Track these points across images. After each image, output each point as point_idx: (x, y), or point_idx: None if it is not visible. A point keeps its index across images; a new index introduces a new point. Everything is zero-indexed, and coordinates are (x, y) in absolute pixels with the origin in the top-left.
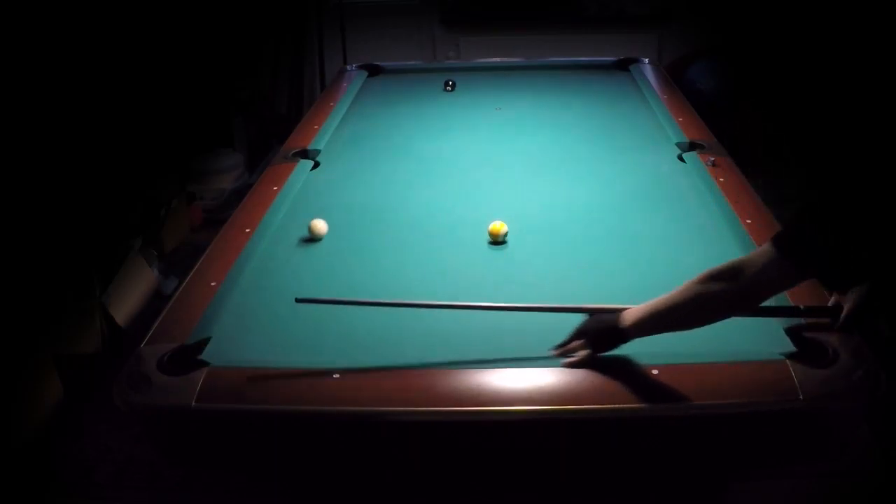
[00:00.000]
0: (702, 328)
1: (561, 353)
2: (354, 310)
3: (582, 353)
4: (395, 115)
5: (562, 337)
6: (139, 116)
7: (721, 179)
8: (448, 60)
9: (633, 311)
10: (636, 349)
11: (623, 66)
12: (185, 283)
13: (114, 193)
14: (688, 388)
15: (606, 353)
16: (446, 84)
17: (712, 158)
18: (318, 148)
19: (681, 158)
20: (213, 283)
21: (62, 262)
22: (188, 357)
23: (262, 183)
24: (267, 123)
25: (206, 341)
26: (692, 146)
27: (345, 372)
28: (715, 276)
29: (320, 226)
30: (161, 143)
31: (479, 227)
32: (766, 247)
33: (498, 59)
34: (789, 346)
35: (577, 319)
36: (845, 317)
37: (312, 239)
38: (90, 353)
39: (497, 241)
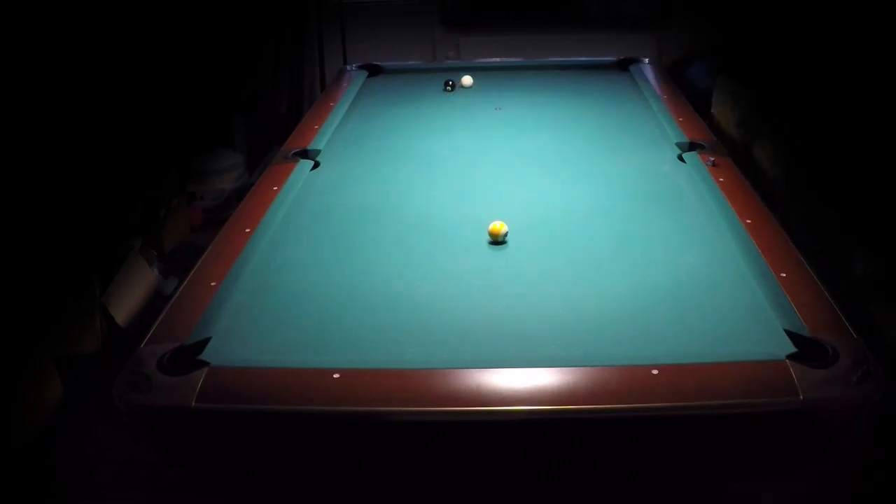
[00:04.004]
0: (702, 328)
1: None
2: (354, 310)
3: None
4: (395, 115)
5: (564, 337)
6: (140, 116)
7: (721, 179)
8: (448, 60)
9: None
10: (636, 349)
11: (623, 66)
12: (185, 283)
13: (114, 193)
14: (688, 388)
15: (606, 350)
16: (446, 84)
17: (712, 158)
18: (318, 148)
19: (681, 158)
20: (213, 283)
21: (62, 262)
22: (188, 357)
23: (262, 183)
24: (267, 123)
25: (206, 341)
26: (692, 146)
27: (345, 372)
28: None
29: (467, 80)
30: (161, 143)
31: (479, 227)
32: None
33: (498, 59)
34: (789, 347)
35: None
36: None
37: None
38: (90, 353)
39: (497, 241)
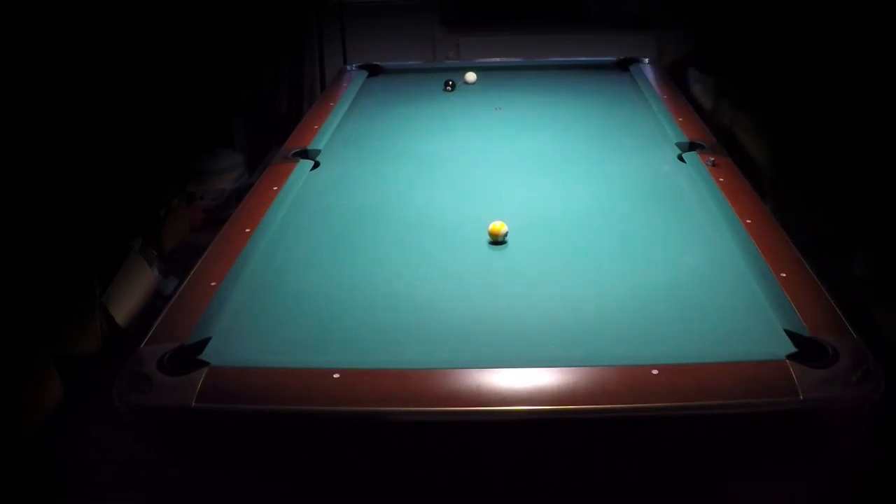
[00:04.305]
0: (702, 328)
1: None
2: (354, 310)
3: None
4: (395, 115)
5: (563, 337)
6: (140, 116)
7: (721, 179)
8: (448, 60)
9: None
10: (636, 349)
11: (623, 66)
12: (185, 283)
13: (114, 193)
14: (688, 388)
15: (606, 350)
16: (446, 84)
17: (712, 158)
18: (318, 148)
19: (681, 158)
20: (213, 283)
21: (62, 262)
22: (188, 357)
23: (262, 183)
24: (267, 123)
25: (206, 341)
26: (692, 146)
27: (345, 372)
28: None
29: (471, 76)
30: (161, 143)
31: (478, 227)
32: None
33: (498, 59)
34: (789, 347)
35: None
36: None
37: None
38: (90, 353)
39: (497, 241)
